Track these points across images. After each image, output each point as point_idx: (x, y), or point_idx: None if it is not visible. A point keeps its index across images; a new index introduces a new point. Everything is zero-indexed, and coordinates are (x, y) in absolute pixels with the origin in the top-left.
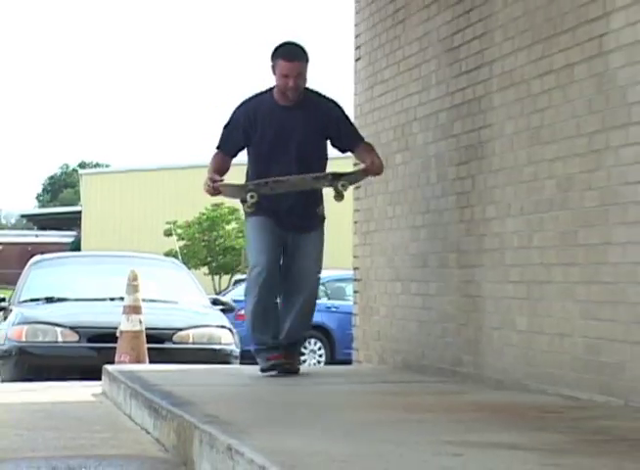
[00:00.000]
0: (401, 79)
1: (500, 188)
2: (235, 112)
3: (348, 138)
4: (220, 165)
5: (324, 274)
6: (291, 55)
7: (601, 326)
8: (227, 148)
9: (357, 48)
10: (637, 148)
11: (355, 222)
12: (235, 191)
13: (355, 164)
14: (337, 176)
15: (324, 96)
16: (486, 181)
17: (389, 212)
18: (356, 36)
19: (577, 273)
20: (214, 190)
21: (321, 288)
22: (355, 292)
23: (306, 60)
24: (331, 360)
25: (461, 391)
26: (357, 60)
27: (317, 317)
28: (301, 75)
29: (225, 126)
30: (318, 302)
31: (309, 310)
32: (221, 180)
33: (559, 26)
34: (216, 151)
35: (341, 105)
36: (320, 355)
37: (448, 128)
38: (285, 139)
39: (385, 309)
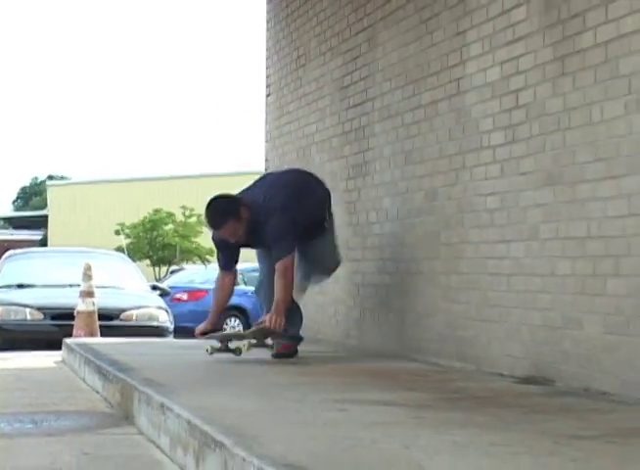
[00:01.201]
0: (302, 111)
1: (380, 198)
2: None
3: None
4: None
5: (243, 266)
6: (210, 225)
7: (458, 307)
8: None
9: (268, 86)
10: (486, 167)
11: None
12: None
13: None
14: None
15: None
16: (369, 193)
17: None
18: (267, 77)
19: (440, 265)
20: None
21: (240, 277)
22: None
23: (230, 219)
24: None
25: (348, 359)
26: (268, 96)
27: (236, 300)
28: (234, 231)
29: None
30: (237, 287)
31: None
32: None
33: (426, 71)
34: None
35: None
36: (239, 330)
37: (339, 151)
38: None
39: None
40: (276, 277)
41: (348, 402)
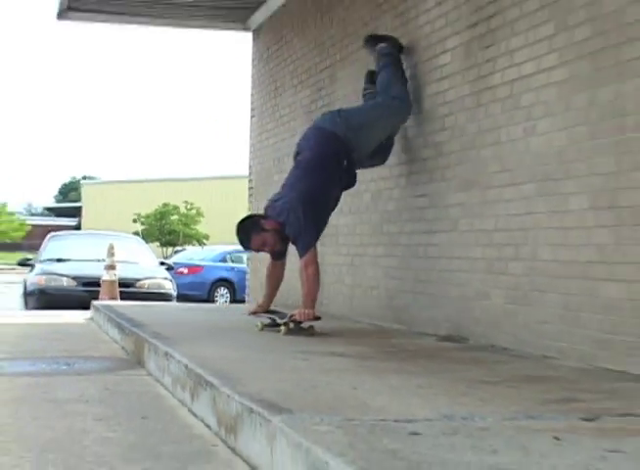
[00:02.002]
0: (278, 130)
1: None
2: None
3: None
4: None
5: (231, 247)
6: (241, 245)
7: (396, 283)
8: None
9: (252, 110)
10: (418, 175)
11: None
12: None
13: None
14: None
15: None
16: None
17: None
18: (251, 102)
19: (382, 250)
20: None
21: (228, 256)
22: (248, 259)
23: (253, 235)
24: (232, 300)
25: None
26: (252, 117)
27: (224, 274)
28: (263, 243)
29: None
30: (226, 264)
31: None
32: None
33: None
34: None
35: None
36: (227, 297)
37: None
38: None
39: (265, 270)
40: (300, 273)
41: (310, 354)
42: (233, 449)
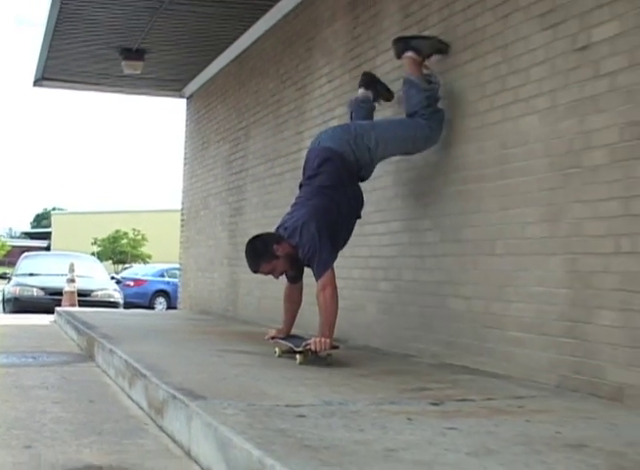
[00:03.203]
0: (204, 175)
1: (249, 229)
2: None
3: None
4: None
5: (168, 265)
6: (251, 268)
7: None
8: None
9: (185, 159)
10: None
11: (181, 242)
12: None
13: None
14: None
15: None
16: (244, 224)
17: (197, 238)
18: (184, 153)
19: None
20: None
21: (165, 272)
22: (180, 276)
23: (262, 262)
24: (168, 307)
25: (227, 325)
26: (185, 165)
27: (163, 286)
28: (274, 269)
29: None
30: (164, 278)
31: None
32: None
33: (278, 154)
34: None
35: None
36: (164, 305)
37: (226, 199)
38: None
39: (193, 284)
40: (317, 297)
41: (225, 352)
42: (160, 427)
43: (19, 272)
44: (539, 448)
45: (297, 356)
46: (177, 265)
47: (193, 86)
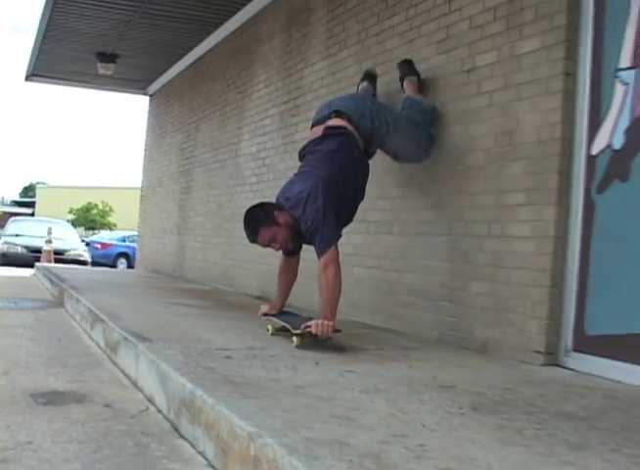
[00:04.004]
0: (160, 160)
1: (196, 205)
2: None
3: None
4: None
5: (129, 232)
6: (249, 238)
7: (230, 261)
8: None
9: (145, 145)
10: (246, 194)
11: (140, 214)
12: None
13: None
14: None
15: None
16: (192, 201)
17: (153, 210)
18: (145, 141)
19: (222, 240)
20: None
21: (127, 238)
22: (138, 241)
23: (262, 228)
24: (128, 267)
25: (173, 283)
26: (145, 150)
27: (124, 249)
28: (273, 238)
29: None
30: (125, 243)
31: None
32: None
33: (222, 144)
34: None
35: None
36: (125, 265)
37: (177, 180)
38: None
39: (148, 248)
40: (318, 276)
41: (170, 304)
42: (114, 362)
43: (7, 233)
44: (418, 389)
45: (294, 338)
46: (136, 233)
47: (155, 86)
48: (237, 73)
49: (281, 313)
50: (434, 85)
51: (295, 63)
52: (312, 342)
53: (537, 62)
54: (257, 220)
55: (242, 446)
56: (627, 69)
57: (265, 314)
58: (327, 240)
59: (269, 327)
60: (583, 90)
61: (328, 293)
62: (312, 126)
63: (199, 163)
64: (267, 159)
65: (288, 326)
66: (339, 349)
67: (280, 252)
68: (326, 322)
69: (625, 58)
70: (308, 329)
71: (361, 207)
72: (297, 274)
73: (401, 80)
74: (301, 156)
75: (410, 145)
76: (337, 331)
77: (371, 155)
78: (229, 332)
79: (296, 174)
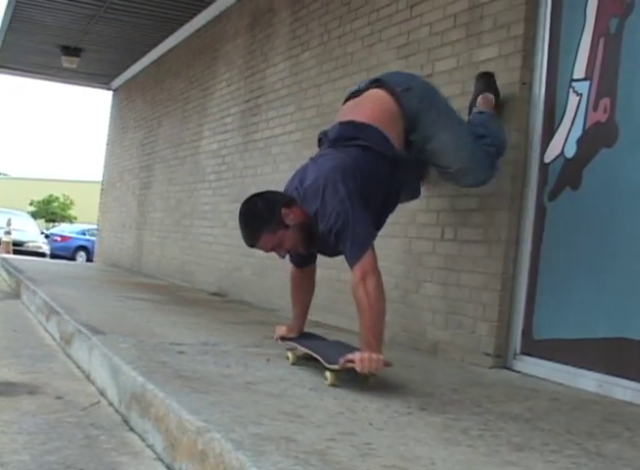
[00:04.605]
0: (122, 154)
1: (155, 200)
2: None
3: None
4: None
5: (89, 226)
6: (246, 241)
7: (187, 256)
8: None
9: (108, 139)
10: (205, 191)
11: (100, 207)
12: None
13: None
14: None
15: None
16: (151, 196)
17: (113, 205)
18: (108, 136)
19: (180, 236)
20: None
21: (87, 231)
22: (97, 235)
23: (264, 232)
24: (87, 260)
25: (131, 277)
26: (107, 144)
27: (84, 243)
28: (279, 243)
29: None
30: (85, 236)
31: None
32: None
33: (183, 141)
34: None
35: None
36: (84, 258)
37: (138, 175)
38: None
39: (107, 242)
40: (354, 291)
41: (125, 298)
42: (68, 355)
43: None
44: (367, 388)
45: (328, 375)
46: (96, 226)
47: (118, 81)
48: (200, 71)
49: (302, 337)
50: None
51: (257, 62)
52: (350, 378)
53: (495, 70)
54: (259, 220)
55: (190, 441)
56: (581, 80)
57: (283, 338)
58: (361, 242)
59: (289, 355)
60: (538, 99)
61: (371, 314)
62: (346, 100)
63: (159, 158)
64: (227, 157)
65: (320, 359)
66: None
67: (287, 258)
68: (374, 356)
69: (579, 69)
70: (350, 365)
71: None
72: (314, 288)
73: (475, 98)
74: (321, 140)
75: (462, 153)
76: (387, 365)
77: (414, 146)
78: (183, 327)
79: (312, 158)
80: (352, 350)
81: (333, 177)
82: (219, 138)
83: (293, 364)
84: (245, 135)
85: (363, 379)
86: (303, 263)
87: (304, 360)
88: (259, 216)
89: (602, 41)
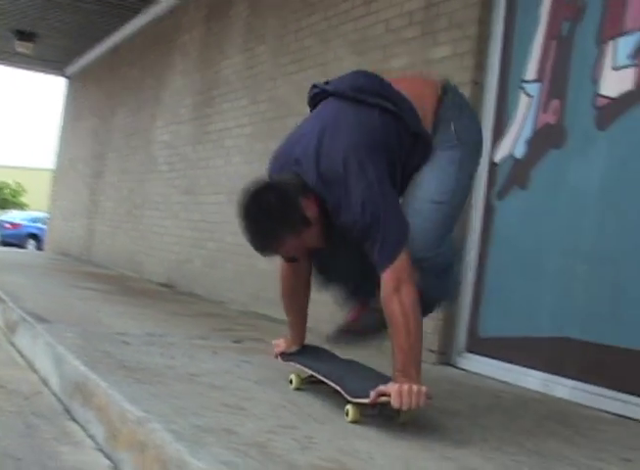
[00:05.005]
0: (76, 142)
1: (107, 190)
2: None
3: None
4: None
5: (40, 214)
6: (262, 251)
7: (137, 247)
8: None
9: (61, 127)
10: (157, 182)
11: (51, 195)
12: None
13: None
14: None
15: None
16: (103, 186)
17: (64, 193)
18: (61, 123)
19: (130, 226)
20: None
21: (38, 219)
22: (49, 221)
23: (287, 235)
24: (38, 249)
25: (80, 266)
26: (60, 132)
27: (34, 230)
28: (299, 246)
29: None
30: (36, 224)
31: None
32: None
33: (136, 131)
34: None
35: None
36: (35, 246)
37: (90, 164)
38: None
39: (58, 230)
40: (384, 302)
41: (73, 286)
42: (12, 343)
43: None
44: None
45: (349, 410)
46: (47, 214)
47: (73, 68)
48: (155, 61)
49: (306, 353)
50: None
51: (213, 54)
52: (375, 413)
53: (448, 68)
54: (278, 222)
55: (130, 431)
56: (532, 81)
57: (282, 354)
58: (394, 240)
59: (292, 378)
60: (490, 99)
61: (407, 333)
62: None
63: (112, 148)
64: (180, 148)
65: (339, 389)
66: (236, 338)
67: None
68: (415, 388)
69: (531, 71)
70: (384, 399)
71: None
72: (309, 291)
73: None
74: (316, 97)
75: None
76: (429, 398)
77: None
78: (130, 318)
79: (316, 117)
80: (381, 376)
81: (356, 154)
82: (172, 129)
83: (296, 389)
84: (198, 127)
85: (395, 415)
86: (297, 259)
87: (310, 384)
88: (277, 217)
89: (554, 44)
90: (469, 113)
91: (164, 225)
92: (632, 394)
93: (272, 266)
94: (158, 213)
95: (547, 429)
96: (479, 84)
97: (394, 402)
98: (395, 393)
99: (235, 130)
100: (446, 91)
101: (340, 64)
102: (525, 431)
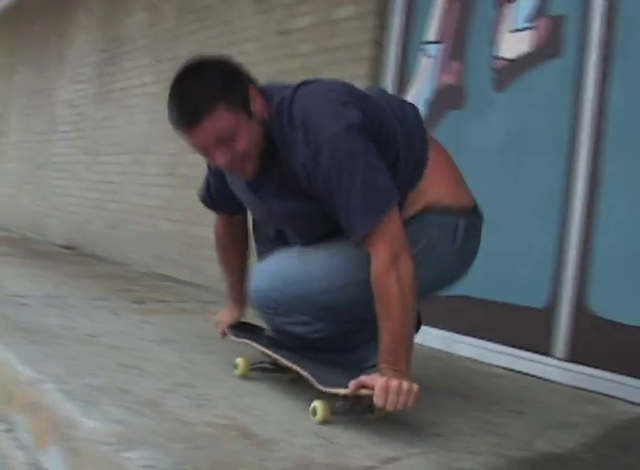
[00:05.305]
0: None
1: (8, 150)
2: None
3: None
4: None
5: None
6: (185, 117)
7: (39, 208)
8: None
9: None
10: (62, 142)
11: None
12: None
13: None
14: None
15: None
16: (5, 146)
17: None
18: None
19: (33, 188)
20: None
21: None
22: None
23: (222, 102)
24: None
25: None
26: None
27: None
28: (233, 134)
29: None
30: None
31: None
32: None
33: (38, 87)
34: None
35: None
36: None
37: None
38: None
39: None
40: (376, 279)
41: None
42: None
43: None
44: (209, 341)
45: (317, 406)
46: None
47: None
48: (60, 18)
49: (260, 331)
50: (248, 46)
51: (116, 11)
52: (351, 407)
53: (350, 29)
54: (215, 87)
55: (23, 392)
56: (433, 42)
57: (231, 328)
58: (380, 199)
59: (237, 362)
60: (391, 59)
61: (402, 316)
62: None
63: (14, 107)
64: (82, 107)
65: (309, 377)
66: (138, 299)
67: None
68: (405, 385)
69: (432, 32)
70: (365, 391)
71: (170, 160)
72: (248, 248)
73: None
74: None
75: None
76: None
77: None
78: (27, 280)
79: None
80: (355, 372)
81: (320, 101)
82: (75, 88)
83: (242, 376)
84: (101, 86)
85: (367, 410)
86: (236, 210)
87: (261, 372)
88: (216, 82)
89: (455, 6)
90: (447, 268)
91: (66, 186)
92: (520, 348)
93: (176, 227)
94: (59, 174)
95: (442, 384)
96: (379, 44)
97: (378, 399)
98: (381, 387)
99: (138, 89)
100: (476, 212)
101: (243, 22)
102: (421, 387)
